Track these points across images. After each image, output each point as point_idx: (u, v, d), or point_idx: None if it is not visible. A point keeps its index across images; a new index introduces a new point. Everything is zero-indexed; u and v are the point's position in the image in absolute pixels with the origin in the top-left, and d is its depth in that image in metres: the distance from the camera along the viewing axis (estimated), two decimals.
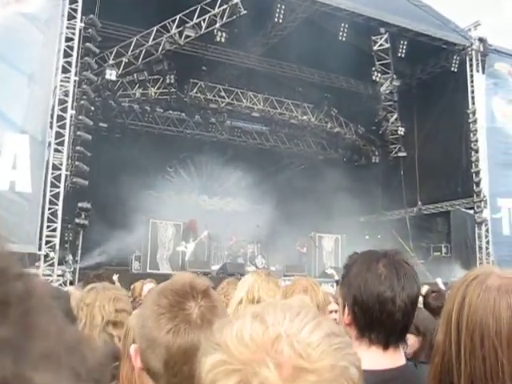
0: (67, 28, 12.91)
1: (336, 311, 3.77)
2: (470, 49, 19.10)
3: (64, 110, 12.78)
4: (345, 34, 17.20)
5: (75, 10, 13.04)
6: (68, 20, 12.95)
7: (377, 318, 1.56)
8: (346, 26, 17.11)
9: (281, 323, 0.71)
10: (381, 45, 17.95)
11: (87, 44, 14.06)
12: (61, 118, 12.71)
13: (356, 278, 1.64)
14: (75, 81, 13.15)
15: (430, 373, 1.32)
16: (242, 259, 18.07)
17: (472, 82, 19.25)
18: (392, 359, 1.59)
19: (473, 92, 19.19)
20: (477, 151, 18.77)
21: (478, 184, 18.76)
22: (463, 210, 19.83)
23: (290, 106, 21.51)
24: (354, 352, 0.74)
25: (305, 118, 21.65)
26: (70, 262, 13.91)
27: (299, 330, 0.70)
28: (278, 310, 0.74)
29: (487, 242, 18.52)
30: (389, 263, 1.63)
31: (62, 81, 12.74)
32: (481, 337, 1.19)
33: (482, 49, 19.05)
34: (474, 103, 19.11)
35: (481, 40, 19.06)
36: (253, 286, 2.82)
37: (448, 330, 1.26)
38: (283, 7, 16.40)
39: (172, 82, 18.31)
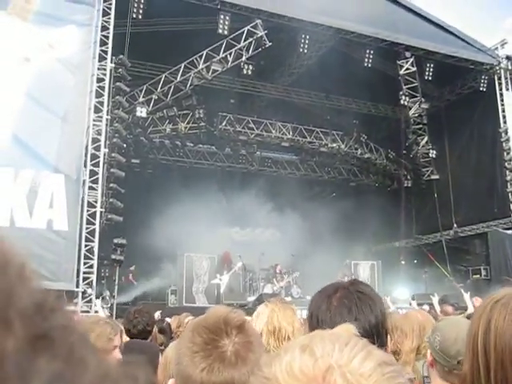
0: (98, 69, 13.27)
1: None
2: (497, 67, 18.94)
3: (97, 148, 13.04)
4: (370, 60, 17.28)
5: (105, 52, 13.42)
6: (99, 61, 13.31)
7: None
8: (371, 52, 17.19)
9: (330, 354, 0.69)
10: (407, 69, 17.96)
11: (118, 83, 14.45)
12: (94, 157, 12.97)
13: (312, 318, 1.61)
14: (107, 119, 13.45)
15: None
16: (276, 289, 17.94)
17: (502, 100, 19.03)
18: None
19: (503, 111, 18.95)
20: (511, 170, 18.46)
21: None
22: (501, 230, 19.40)
23: (319, 134, 21.56)
24: (405, 381, 0.72)
25: (334, 145, 21.66)
26: (108, 297, 14.04)
27: (350, 360, 0.68)
28: (327, 341, 0.72)
29: None
30: (341, 297, 1.58)
31: (94, 120, 13.04)
32: (511, 361, 1.14)
33: (510, 67, 18.88)
34: (505, 122, 18.85)
35: (508, 58, 18.89)
36: (271, 316, 2.78)
37: (475, 356, 1.20)
38: (307, 37, 16.59)
39: (201, 116, 18.58)
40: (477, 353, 1.19)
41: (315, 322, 1.57)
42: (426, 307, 11.73)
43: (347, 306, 1.56)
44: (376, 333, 1.55)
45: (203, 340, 1.38)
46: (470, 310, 7.36)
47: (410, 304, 13.59)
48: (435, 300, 8.13)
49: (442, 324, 2.48)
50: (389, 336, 1.69)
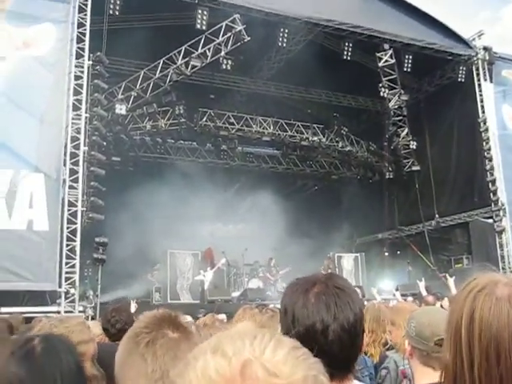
0: (75, 67, 13.12)
1: None
2: (475, 58, 19.08)
3: (76, 146, 12.91)
4: (349, 53, 17.30)
5: (83, 49, 13.27)
6: (76, 59, 13.16)
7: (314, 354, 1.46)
8: (350, 44, 17.21)
9: (242, 350, 0.70)
10: (386, 61, 18.01)
11: (96, 81, 14.30)
12: (74, 155, 12.84)
13: (286, 314, 1.54)
14: (86, 117, 13.32)
15: None
16: (262, 284, 17.95)
17: (480, 90, 19.18)
18: None
19: (482, 101, 19.11)
20: (490, 159, 18.63)
21: (494, 193, 18.57)
22: (482, 219, 19.60)
23: (299, 127, 21.57)
24: (317, 360, 0.74)
25: (315, 138, 21.68)
26: (91, 297, 13.93)
27: (262, 351, 0.70)
28: (236, 339, 0.72)
29: (508, 251, 18.24)
30: (318, 292, 1.52)
31: (73, 118, 12.90)
32: (496, 354, 1.11)
33: (487, 57, 19.02)
34: (484, 112, 19.02)
35: (486, 49, 19.04)
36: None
37: (458, 348, 1.16)
38: (286, 31, 16.56)
39: (181, 112, 18.49)
40: (460, 344, 1.15)
41: (290, 319, 1.51)
42: (410, 298, 11.82)
43: (326, 303, 1.49)
44: (354, 331, 1.50)
45: (145, 323, 1.40)
46: (454, 293, 7.45)
47: (394, 295, 13.69)
48: (422, 285, 8.15)
49: (415, 313, 2.56)
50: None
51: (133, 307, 7.64)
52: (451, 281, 7.90)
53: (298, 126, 21.57)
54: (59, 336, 2.17)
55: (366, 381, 3.83)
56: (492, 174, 18.60)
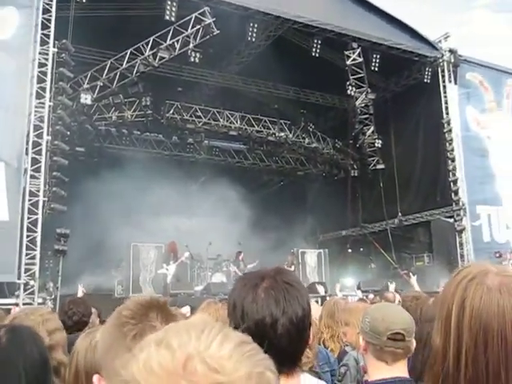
0: (40, 54, 12.85)
1: None
2: (441, 60, 19.40)
3: (39, 135, 12.66)
4: (318, 50, 17.34)
5: (48, 36, 12.99)
6: (41, 46, 12.89)
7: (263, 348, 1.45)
8: (319, 41, 17.27)
9: (187, 343, 0.69)
10: (354, 59, 18.15)
11: (61, 69, 13.97)
12: (36, 144, 12.59)
13: (235, 309, 1.54)
14: (50, 106, 13.06)
15: (428, 379, 1.27)
16: (225, 278, 17.91)
17: (445, 92, 19.51)
18: None
19: (446, 102, 19.44)
20: (453, 160, 18.99)
21: (456, 192, 18.94)
22: (443, 219, 19.98)
23: (267, 123, 21.58)
24: (266, 356, 0.73)
25: (282, 134, 21.73)
26: (51, 289, 13.69)
27: (208, 345, 0.68)
28: (182, 332, 0.71)
29: (468, 250, 18.63)
30: (267, 287, 1.53)
31: (36, 107, 12.63)
32: (484, 341, 1.15)
33: (452, 60, 19.36)
34: (448, 113, 19.36)
35: (451, 51, 19.37)
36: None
37: (447, 334, 1.20)
38: (256, 26, 16.52)
39: (148, 103, 18.29)
40: (450, 330, 1.19)
41: (239, 314, 1.51)
42: (371, 296, 11.96)
43: (275, 297, 1.50)
44: (302, 325, 1.52)
45: (131, 312, 1.35)
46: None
47: (355, 292, 13.84)
48: (392, 287, 8.35)
49: (370, 309, 2.61)
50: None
51: (80, 292, 7.57)
52: (414, 279, 8.07)
53: (265, 121, 21.58)
54: (25, 327, 2.17)
55: (327, 377, 3.85)
56: (454, 175, 18.96)
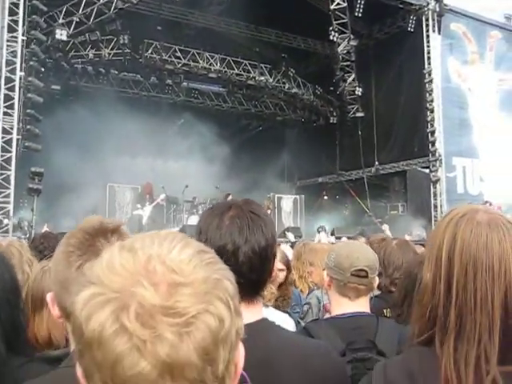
0: None
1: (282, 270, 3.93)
2: (426, 8, 19.15)
3: (12, 71, 12.36)
4: None
5: None
6: None
7: None
8: None
9: (150, 247, 0.72)
10: (338, 4, 17.84)
11: (34, 1, 13.46)
12: (9, 80, 12.31)
13: (201, 234, 1.56)
14: (23, 40, 12.70)
15: (416, 313, 1.35)
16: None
17: (428, 42, 19.34)
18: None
19: (429, 52, 19.30)
20: (432, 111, 19.02)
21: (433, 143, 19.07)
22: (419, 169, 20.17)
23: (247, 66, 21.24)
24: (226, 267, 0.77)
25: (262, 78, 21.44)
26: (26, 228, 13.65)
27: (170, 250, 0.72)
28: (146, 238, 0.75)
29: (441, 200, 18.92)
30: (233, 215, 1.55)
31: (8, 41, 12.28)
32: (474, 270, 1.24)
33: (437, 9, 19.13)
34: (429, 63, 19.25)
35: (437, 0, 19.10)
36: None
37: (438, 267, 1.29)
38: None
39: (126, 42, 17.80)
40: (440, 263, 1.28)
41: (203, 240, 1.51)
42: (345, 239, 12.16)
43: (239, 225, 1.52)
44: (265, 255, 1.54)
45: (79, 240, 1.36)
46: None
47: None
48: (386, 227, 8.40)
49: (336, 245, 2.70)
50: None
51: (45, 227, 7.62)
52: (386, 226, 8.23)
53: (246, 64, 21.23)
54: None
55: (296, 317, 3.94)
56: (432, 126, 19.04)
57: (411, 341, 1.36)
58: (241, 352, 0.76)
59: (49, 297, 1.41)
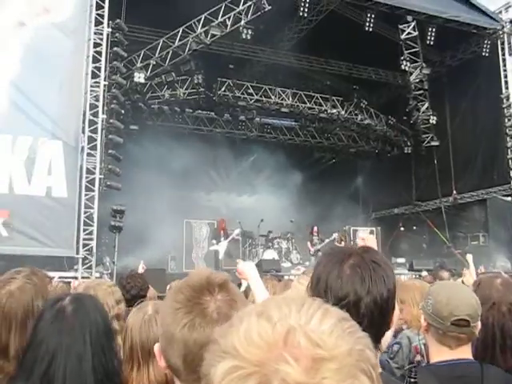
0: (95, 34, 13.07)
1: None
2: (501, 32, 18.66)
3: (95, 114, 12.94)
4: (371, 25, 16.96)
5: (102, 16, 13.20)
6: (95, 26, 13.11)
7: None
8: (372, 15, 16.88)
9: (288, 316, 0.69)
10: (408, 33, 17.71)
11: (115, 48, 14.25)
12: (92, 123, 12.88)
13: (319, 283, 1.50)
14: (105, 85, 13.31)
15: None
16: (276, 255, 17.98)
17: (504, 65, 18.79)
18: None
19: (506, 76, 18.72)
20: None
21: None
22: (500, 197, 19.42)
23: (318, 99, 21.33)
24: (365, 335, 0.73)
25: (334, 111, 21.45)
26: (108, 263, 14.12)
27: (308, 320, 0.69)
28: (282, 305, 0.72)
29: None
30: (354, 264, 1.48)
31: (91, 86, 12.90)
32: None
33: None
34: (507, 88, 18.67)
35: None
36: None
37: None
38: (308, 0, 16.30)
39: (200, 81, 18.36)
40: None
41: (323, 288, 1.48)
42: (425, 273, 11.83)
43: (361, 275, 1.47)
44: (386, 307, 1.48)
45: (185, 297, 1.37)
46: (472, 270, 7.40)
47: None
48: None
49: (433, 288, 2.49)
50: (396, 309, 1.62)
51: (140, 268, 7.75)
52: (470, 256, 7.87)
53: (317, 97, 21.34)
54: (88, 296, 2.29)
55: (385, 356, 3.86)
56: None
57: None
58: None
59: (156, 348, 1.43)
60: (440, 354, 2.25)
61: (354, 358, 0.66)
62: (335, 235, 18.14)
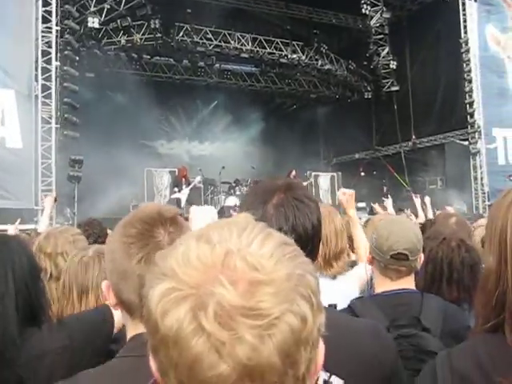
0: None
1: None
2: None
3: (48, 61, 12.52)
4: None
5: None
6: None
7: None
8: None
9: (228, 240, 0.68)
10: None
11: None
12: (46, 71, 12.48)
13: None
14: (57, 31, 12.84)
15: (480, 299, 1.29)
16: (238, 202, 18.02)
17: (464, 10, 18.72)
18: None
19: (465, 21, 18.69)
20: (470, 81, 18.50)
21: (471, 115, 18.58)
22: (458, 141, 19.75)
23: (279, 44, 21.04)
24: (307, 260, 0.72)
25: (295, 56, 21.21)
26: (68, 214, 13.97)
27: (249, 243, 0.68)
28: (224, 228, 0.71)
29: (482, 173, 18.51)
30: (277, 204, 1.49)
31: (43, 31, 12.42)
32: None
33: None
34: (466, 32, 18.67)
35: None
36: None
37: (503, 250, 1.22)
38: None
39: (157, 26, 17.84)
40: (505, 245, 1.21)
41: None
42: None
43: (285, 214, 1.48)
44: (311, 241, 1.51)
45: (138, 231, 1.34)
46: (430, 213, 7.66)
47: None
48: (389, 202, 8.26)
49: (379, 223, 2.57)
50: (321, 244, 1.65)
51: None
52: (428, 199, 8.14)
53: (277, 42, 21.03)
54: (13, 236, 2.33)
55: None
56: (470, 96, 18.52)
57: (475, 328, 1.31)
58: (321, 349, 0.71)
59: (104, 285, 1.40)
60: (383, 285, 2.36)
61: (293, 282, 0.66)
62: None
